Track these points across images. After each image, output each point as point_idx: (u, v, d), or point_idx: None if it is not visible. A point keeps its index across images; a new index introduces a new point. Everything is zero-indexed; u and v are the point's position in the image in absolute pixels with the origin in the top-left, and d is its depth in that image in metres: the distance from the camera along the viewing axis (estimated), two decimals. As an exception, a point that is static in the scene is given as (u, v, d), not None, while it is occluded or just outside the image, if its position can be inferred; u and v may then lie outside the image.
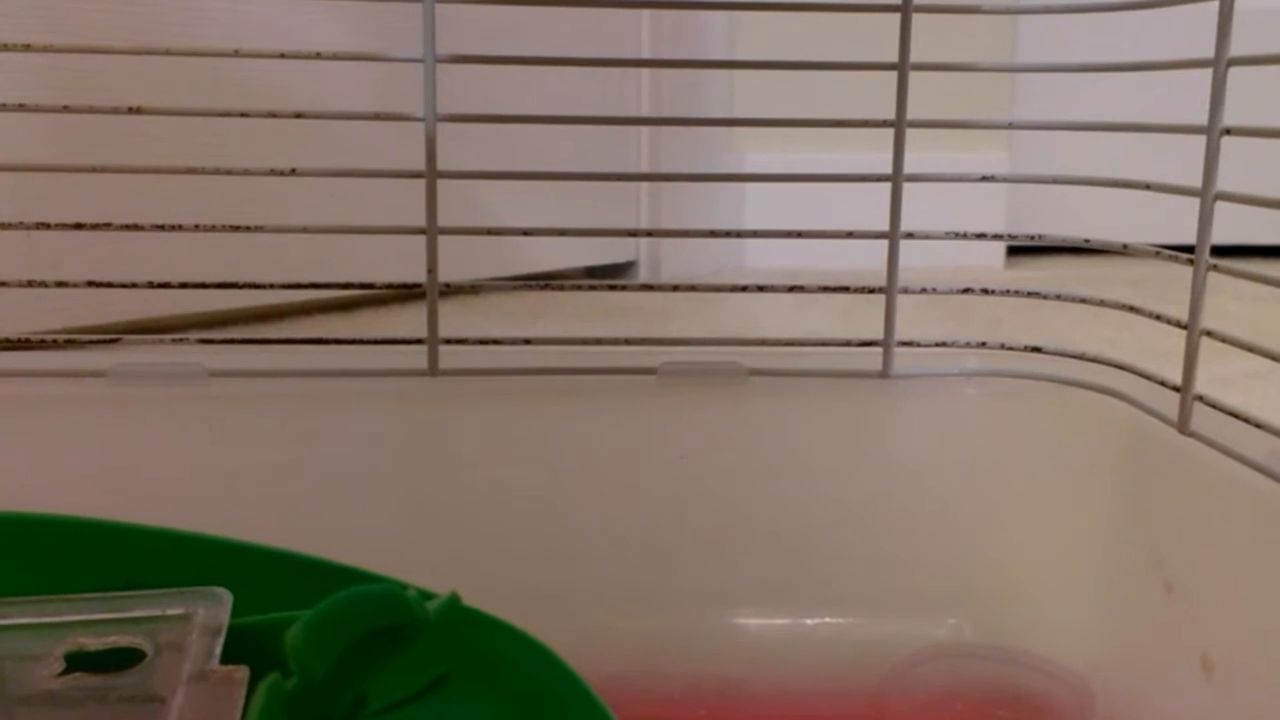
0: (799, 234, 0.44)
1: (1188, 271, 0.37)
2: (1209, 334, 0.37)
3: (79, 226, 0.42)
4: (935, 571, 0.43)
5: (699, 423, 0.43)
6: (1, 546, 0.32)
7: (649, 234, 0.46)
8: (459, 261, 0.47)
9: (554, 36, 1.08)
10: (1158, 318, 0.40)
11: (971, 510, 0.43)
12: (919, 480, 0.43)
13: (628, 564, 0.43)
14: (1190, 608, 0.36)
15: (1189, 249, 0.37)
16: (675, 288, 0.45)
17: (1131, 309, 0.41)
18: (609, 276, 1.27)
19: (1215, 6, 0.36)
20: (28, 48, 0.41)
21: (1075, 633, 0.41)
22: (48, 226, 0.42)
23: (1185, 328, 0.37)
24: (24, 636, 0.27)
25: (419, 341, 0.42)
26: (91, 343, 0.43)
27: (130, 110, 0.41)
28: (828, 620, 0.43)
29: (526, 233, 0.43)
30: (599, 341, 0.43)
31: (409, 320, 1.00)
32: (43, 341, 0.42)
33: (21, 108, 0.41)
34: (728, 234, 0.44)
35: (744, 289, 0.45)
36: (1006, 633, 0.42)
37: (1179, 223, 0.42)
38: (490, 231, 0.43)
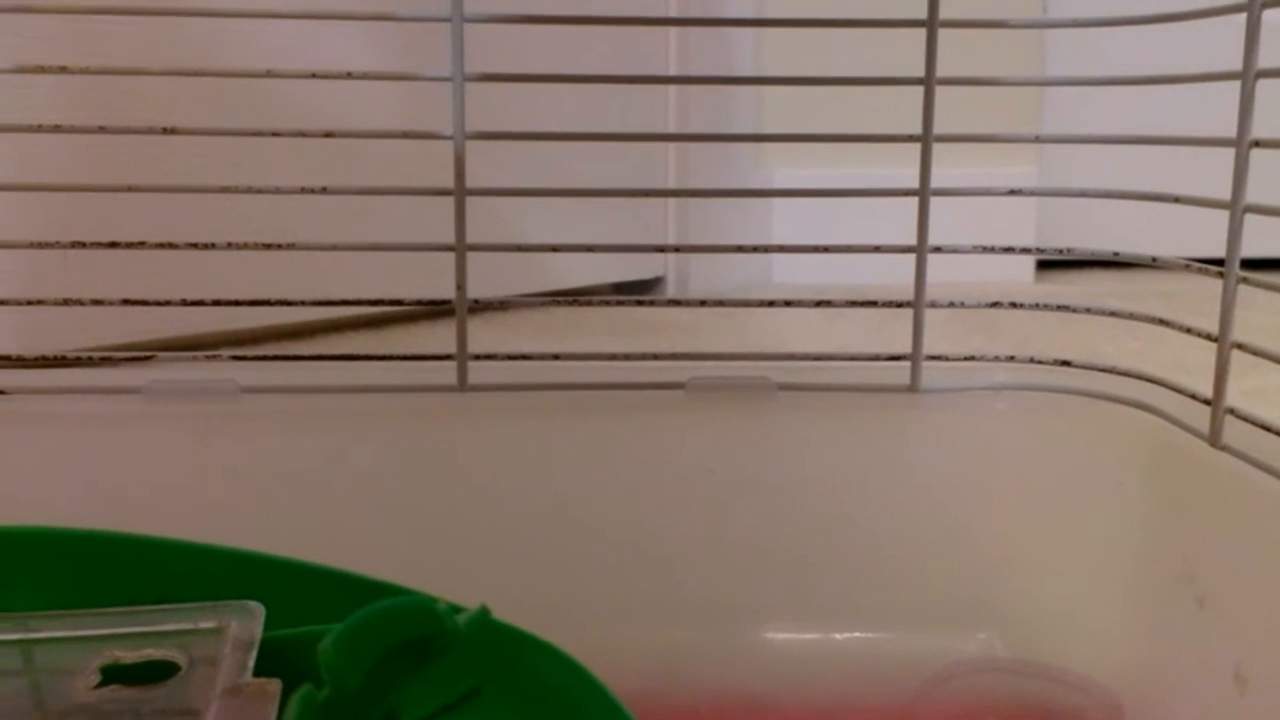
0: (826, 249, 0.44)
1: (1218, 284, 0.37)
2: (1240, 347, 0.37)
3: (114, 245, 0.43)
4: (965, 586, 0.43)
5: (727, 437, 0.43)
6: (38, 561, 0.32)
7: (676, 249, 0.46)
8: (487, 278, 0.47)
9: (581, 54, 1.09)
10: (1188, 331, 0.39)
11: (1001, 524, 0.43)
12: (948, 494, 0.43)
13: (656, 578, 0.43)
14: (1222, 622, 0.35)
15: (1219, 262, 0.37)
16: (703, 303, 0.45)
17: (1162, 322, 0.41)
18: (637, 292, 1.27)
19: (1244, 19, 0.36)
20: (64, 70, 0.41)
21: (1107, 647, 0.40)
22: (83, 245, 0.43)
23: (1216, 341, 0.37)
24: (60, 650, 0.27)
25: (448, 357, 0.43)
26: (127, 360, 0.44)
27: (165, 131, 0.41)
28: (857, 635, 0.43)
29: (555, 249, 0.43)
30: (627, 357, 0.43)
31: (438, 336, 1.00)
32: (79, 359, 0.43)
33: (58, 129, 0.42)
34: (755, 249, 0.44)
35: (771, 304, 0.45)
36: (1038, 647, 0.42)
37: (1209, 235, 0.42)
38: (519, 248, 0.43)
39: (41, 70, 0.42)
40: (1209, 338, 0.38)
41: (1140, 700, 0.39)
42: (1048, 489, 0.43)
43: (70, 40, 0.79)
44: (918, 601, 0.43)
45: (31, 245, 0.42)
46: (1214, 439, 0.37)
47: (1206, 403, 0.38)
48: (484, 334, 1.01)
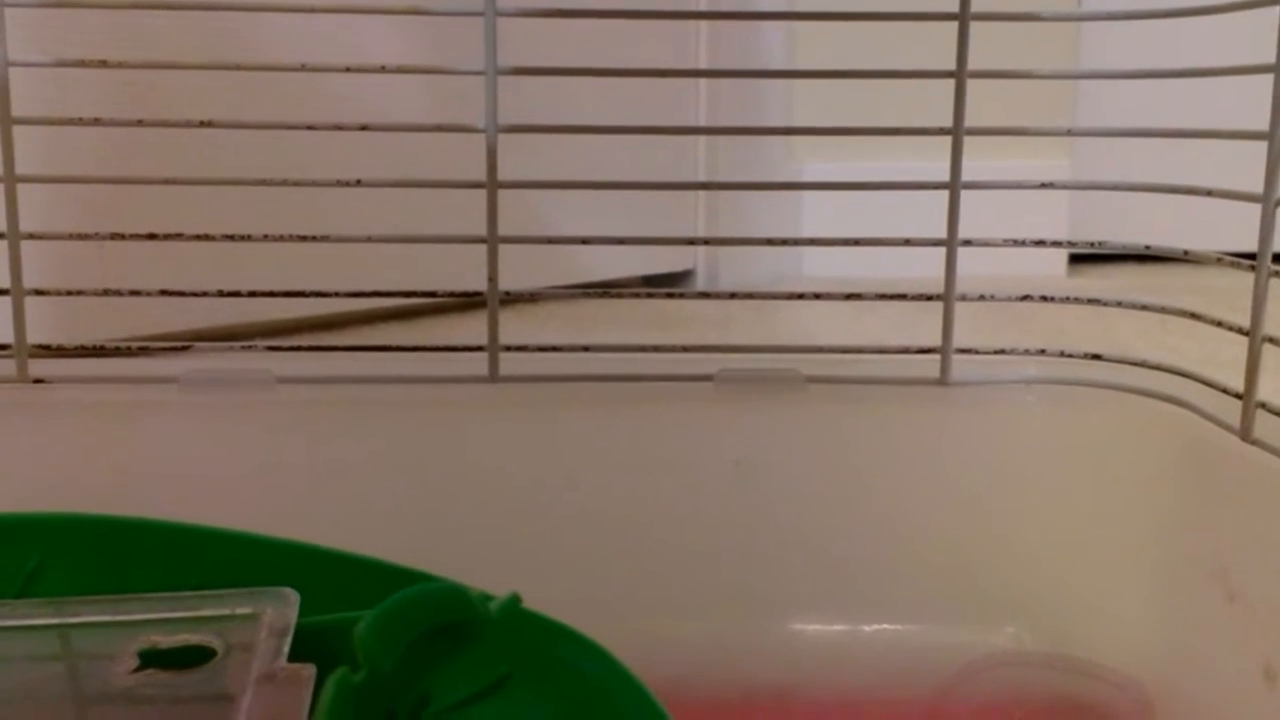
0: (856, 242, 0.44)
1: (1250, 279, 0.37)
2: (1272, 341, 0.36)
3: (152, 237, 0.43)
4: (994, 579, 0.43)
5: (756, 429, 0.43)
6: (77, 548, 0.33)
7: (706, 242, 0.47)
8: (518, 270, 0.48)
9: (611, 48, 1.09)
10: (1220, 325, 0.39)
11: (1031, 517, 0.43)
12: (977, 487, 0.43)
13: (684, 569, 0.43)
14: (1253, 617, 0.35)
15: (1251, 256, 0.37)
16: (733, 295, 0.46)
17: (1194, 316, 0.41)
18: (666, 285, 1.27)
19: (1278, 11, 0.36)
20: (104, 64, 0.42)
21: (1136, 641, 0.40)
22: (122, 237, 0.43)
23: (1248, 335, 0.37)
24: (98, 634, 0.28)
25: (480, 348, 0.43)
26: (163, 350, 0.44)
27: (201, 124, 0.42)
28: (885, 627, 0.43)
29: (585, 241, 0.44)
30: (657, 348, 0.44)
31: (469, 328, 1.00)
32: (116, 349, 0.44)
33: (97, 121, 0.43)
34: (785, 242, 0.45)
35: (801, 297, 0.45)
36: (1066, 641, 0.42)
37: (1242, 229, 0.42)
38: (550, 240, 0.43)
39: (82, 64, 0.42)
40: (1241, 332, 0.37)
41: (1170, 695, 0.39)
42: (1078, 482, 0.43)
43: (109, 34, 0.80)
44: (946, 594, 0.43)
45: (71, 236, 0.43)
46: (1245, 433, 0.37)
47: (1238, 397, 0.37)
48: (515, 325, 1.01)
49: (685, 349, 0.44)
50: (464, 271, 0.49)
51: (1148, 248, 0.43)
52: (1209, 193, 0.39)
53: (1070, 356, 0.44)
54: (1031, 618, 0.43)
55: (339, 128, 0.42)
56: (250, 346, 0.44)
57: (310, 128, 0.42)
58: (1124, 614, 0.41)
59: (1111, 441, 0.42)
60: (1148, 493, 0.41)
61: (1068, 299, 0.45)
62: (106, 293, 0.43)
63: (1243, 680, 0.35)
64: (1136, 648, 0.40)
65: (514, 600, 0.28)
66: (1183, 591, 0.39)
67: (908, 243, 0.43)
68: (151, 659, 0.27)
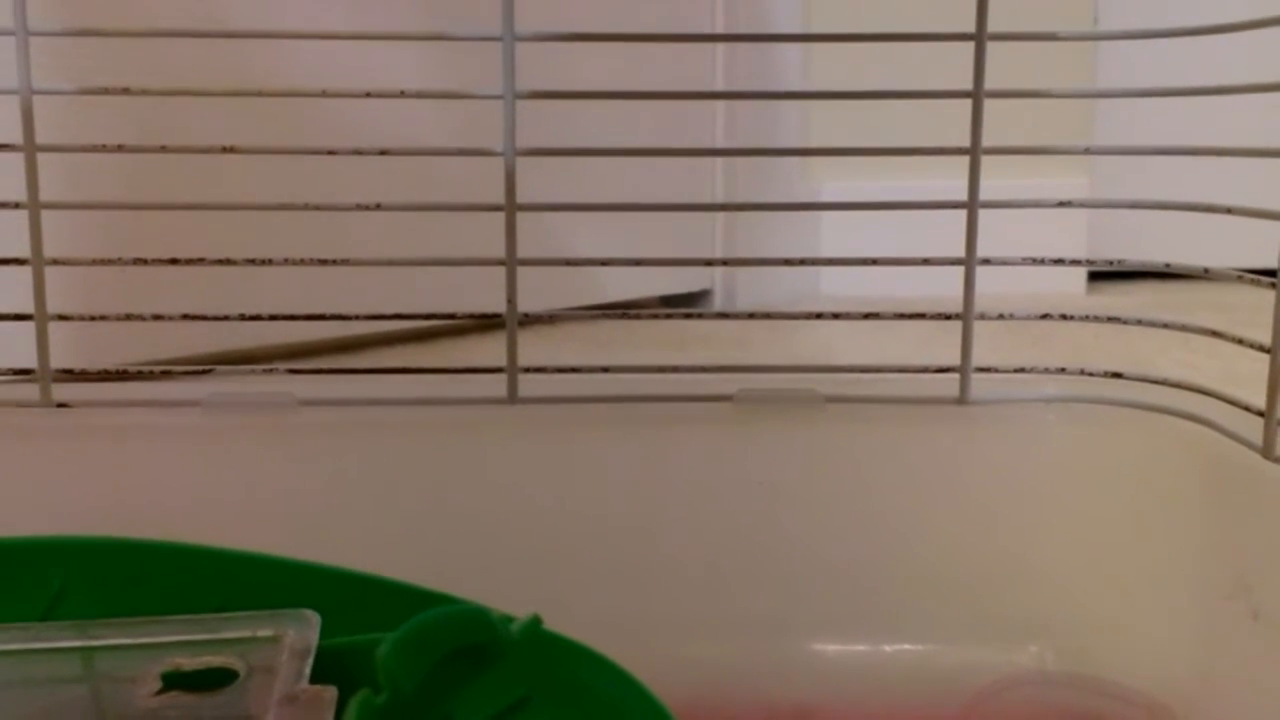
0: (874, 261, 0.44)
1: (1271, 295, 0.36)
2: (1293, 358, 0.36)
3: (174, 262, 0.44)
4: (1016, 598, 0.43)
5: (776, 449, 0.43)
6: (100, 571, 0.33)
7: (724, 263, 0.47)
8: (536, 291, 0.48)
9: (629, 70, 1.10)
10: (1240, 342, 0.39)
11: (1053, 537, 0.43)
12: (998, 506, 0.43)
13: (705, 590, 0.43)
14: (1277, 635, 0.35)
15: (1272, 273, 0.37)
16: (751, 315, 0.46)
17: (1214, 334, 0.41)
18: (684, 305, 1.28)
19: (1295, 28, 0.36)
20: (126, 91, 0.42)
21: (1159, 661, 0.40)
22: (145, 262, 0.44)
23: (1269, 352, 0.37)
24: (122, 657, 0.28)
25: (499, 370, 0.43)
26: (186, 373, 0.44)
27: (224, 150, 0.42)
28: (907, 647, 0.43)
29: (604, 263, 0.44)
30: (676, 369, 0.44)
31: (488, 350, 1.01)
32: (139, 373, 0.44)
33: (121, 148, 0.43)
34: (802, 262, 0.45)
35: (819, 316, 0.45)
36: (1089, 661, 0.42)
37: (1263, 246, 0.42)
38: (568, 262, 0.43)
39: (105, 92, 0.43)
40: (1261, 349, 0.37)
41: (1194, 714, 0.39)
42: (1099, 501, 0.42)
43: (130, 62, 0.81)
44: (968, 614, 0.43)
45: (94, 262, 0.43)
46: (1267, 451, 0.37)
47: (1260, 414, 0.37)
48: (533, 347, 1.01)
49: (704, 369, 0.44)
50: (482, 293, 0.49)
51: (1167, 265, 0.43)
52: (1229, 210, 0.39)
53: (1090, 375, 0.43)
54: (1054, 637, 0.43)
55: (359, 152, 0.43)
56: (272, 369, 0.44)
57: (331, 152, 0.42)
58: (1147, 633, 0.41)
59: (1132, 460, 0.42)
60: (1170, 511, 0.41)
61: (1087, 317, 0.45)
62: (129, 317, 0.43)
63: (1267, 698, 0.35)
64: (1159, 667, 0.40)
65: (535, 622, 0.28)
66: (1206, 610, 0.39)
67: (926, 262, 0.43)
68: (174, 681, 0.27)
